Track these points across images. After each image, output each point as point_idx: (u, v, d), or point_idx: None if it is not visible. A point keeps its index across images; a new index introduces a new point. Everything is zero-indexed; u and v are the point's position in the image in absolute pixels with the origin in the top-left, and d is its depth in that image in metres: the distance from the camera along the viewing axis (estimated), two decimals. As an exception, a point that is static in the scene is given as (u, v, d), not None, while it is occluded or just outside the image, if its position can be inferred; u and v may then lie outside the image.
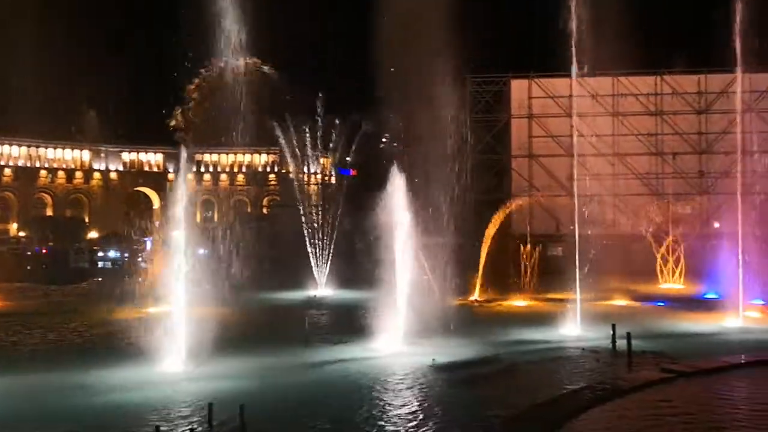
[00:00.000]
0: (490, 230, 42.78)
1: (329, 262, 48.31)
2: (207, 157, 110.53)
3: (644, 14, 50.01)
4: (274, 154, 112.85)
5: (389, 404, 17.36)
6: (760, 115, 56.66)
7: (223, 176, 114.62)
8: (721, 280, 33.64)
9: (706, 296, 37.03)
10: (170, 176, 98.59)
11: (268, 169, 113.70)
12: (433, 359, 22.04)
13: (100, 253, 71.13)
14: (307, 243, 51.33)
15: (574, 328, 28.11)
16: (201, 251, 23.63)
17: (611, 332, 24.02)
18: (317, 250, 49.86)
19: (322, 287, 46.01)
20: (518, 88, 60.93)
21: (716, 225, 55.16)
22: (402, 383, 19.52)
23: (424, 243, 30.61)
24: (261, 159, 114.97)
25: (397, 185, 27.40)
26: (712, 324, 29.54)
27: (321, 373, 21.22)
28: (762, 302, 33.04)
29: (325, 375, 20.96)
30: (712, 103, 58.93)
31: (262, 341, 24.43)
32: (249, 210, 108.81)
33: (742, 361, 21.06)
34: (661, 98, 59.70)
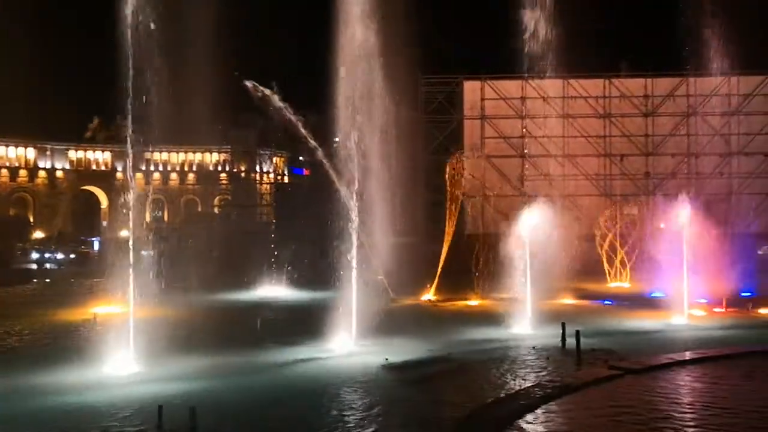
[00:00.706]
0: (444, 229, 43.08)
1: (281, 262, 47.92)
2: (157, 156, 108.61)
3: (594, 19, 50.92)
4: (226, 152, 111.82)
5: (342, 404, 17.30)
6: (704, 118, 58.37)
7: (173, 175, 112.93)
8: (667, 279, 34.44)
9: (652, 295, 37.87)
10: (119, 175, 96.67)
11: (220, 168, 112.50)
12: (386, 359, 22.06)
13: (47, 254, 69.41)
14: (260, 243, 50.93)
15: (525, 326, 28.46)
16: (145, 252, 23.19)
17: (561, 330, 24.40)
18: (268, 249, 49.47)
19: (275, 288, 45.66)
20: (471, 89, 61.47)
21: (662, 225, 56.50)
22: (355, 383, 19.46)
23: (378, 243, 30.64)
24: (212, 158, 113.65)
25: (349, 185, 27.37)
26: (658, 322, 30.24)
27: (274, 374, 21.03)
28: (706, 301, 33.94)
29: (278, 376, 20.78)
30: (658, 106, 60.38)
31: (213, 343, 24.11)
32: (199, 209, 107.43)
33: (687, 358, 21.61)
34: (610, 101, 60.91)
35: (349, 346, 24.41)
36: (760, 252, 51.11)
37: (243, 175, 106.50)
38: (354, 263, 26.49)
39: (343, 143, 28.11)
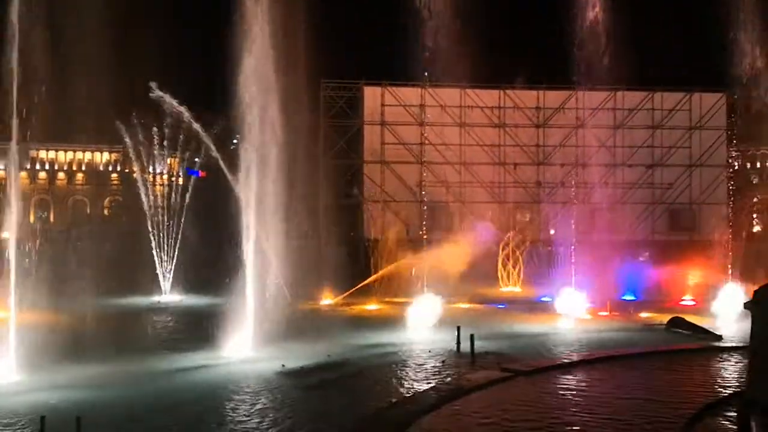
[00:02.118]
0: (344, 233, 43.21)
1: (175, 267, 46.62)
2: (43, 154, 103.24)
3: (490, 31, 52.42)
4: (118, 152, 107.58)
5: (238, 412, 16.99)
6: (591, 130, 61.13)
7: (61, 175, 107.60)
8: (556, 283, 35.83)
9: (542, 299, 39.26)
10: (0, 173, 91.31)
11: (111, 168, 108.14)
12: (283, 365, 21.85)
13: None
14: (152, 246, 49.33)
15: (421, 330, 28.88)
16: (28, 254, 22.07)
17: (456, 334, 24.92)
18: (162, 253, 48.02)
19: (168, 292, 44.37)
20: (371, 95, 61.92)
21: (552, 232, 58.82)
22: (251, 390, 19.17)
23: (276, 246, 30.34)
24: (103, 157, 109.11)
25: (246, 188, 27.00)
26: (547, 325, 31.39)
27: (166, 381, 20.40)
28: (592, 305, 35.51)
29: (171, 384, 20.17)
30: (549, 118, 62.80)
31: (102, 349, 23.11)
32: (88, 211, 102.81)
33: (575, 360, 22.55)
34: (504, 111, 62.80)
35: (245, 351, 24.02)
36: (641, 258, 54.07)
37: (135, 175, 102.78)
38: (251, 267, 26.13)
39: (241, 145, 27.70)
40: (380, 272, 41.31)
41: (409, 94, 61.11)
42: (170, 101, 32.71)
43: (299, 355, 23.31)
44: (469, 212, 59.23)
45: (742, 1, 36.74)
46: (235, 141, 28.46)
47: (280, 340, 24.69)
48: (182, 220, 55.82)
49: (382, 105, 61.60)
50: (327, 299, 39.84)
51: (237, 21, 27.52)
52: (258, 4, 27.84)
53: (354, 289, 40.46)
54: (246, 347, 24.29)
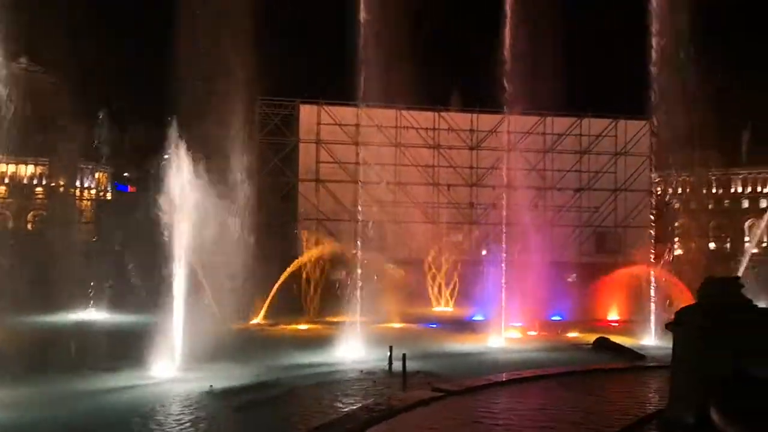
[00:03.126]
0: (277, 252, 42.82)
1: (102, 283, 45.15)
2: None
3: (426, 54, 53.21)
4: (43, 165, 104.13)
5: (163, 433, 16.55)
6: (522, 153, 62.44)
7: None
8: (487, 303, 36.32)
9: (473, 318, 39.69)
10: None
11: (35, 182, 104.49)
12: (211, 385, 21.42)
13: None
14: (78, 262, 47.75)
15: (353, 350, 28.78)
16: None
17: (388, 354, 24.93)
18: (89, 269, 46.47)
19: (94, 310, 42.95)
20: (307, 113, 61.86)
21: (484, 252, 59.63)
22: (178, 411, 18.71)
23: (206, 264, 29.82)
24: (27, 170, 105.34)
25: (177, 204, 26.50)
26: (478, 344, 31.75)
27: (91, 403, 19.72)
28: (521, 324, 36.12)
29: (96, 405, 19.50)
30: (482, 141, 63.92)
31: (24, 370, 22.18)
32: (11, 225, 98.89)
33: (504, 379, 22.82)
34: (439, 133, 63.67)
35: (172, 372, 23.46)
36: (569, 279, 55.33)
37: (62, 189, 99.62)
38: (180, 285, 25.59)
39: (173, 161, 27.21)
40: (311, 291, 41.10)
41: (345, 113, 61.25)
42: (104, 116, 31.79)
43: (228, 376, 22.89)
44: (404, 232, 59.53)
45: (661, 33, 38.32)
46: (166, 156, 27.88)
47: (208, 360, 24.20)
48: (110, 235, 54.31)
49: (318, 123, 61.58)
50: (257, 319, 39.28)
51: (174, 37, 27.22)
52: (194, 19, 27.59)
53: (284, 308, 40.01)
54: (173, 367, 23.73)
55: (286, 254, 44.34)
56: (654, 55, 38.66)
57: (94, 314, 42.05)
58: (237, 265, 36.83)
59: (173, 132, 27.02)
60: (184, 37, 27.01)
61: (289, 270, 42.23)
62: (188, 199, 26.75)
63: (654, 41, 38.33)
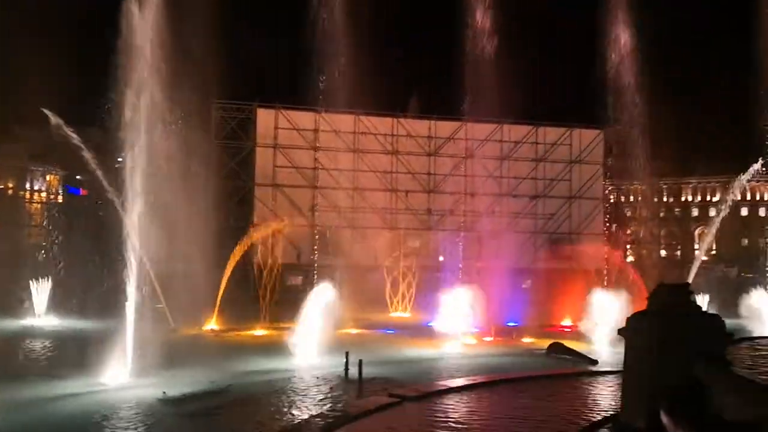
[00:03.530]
0: (232, 258, 42.37)
1: (52, 288, 43.98)
2: None
3: (385, 61, 53.39)
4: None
5: (113, 442, 16.18)
6: (479, 161, 63.07)
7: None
8: (444, 309, 36.44)
9: (430, 324, 39.79)
10: None
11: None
12: (164, 392, 21.02)
13: None
14: (27, 266, 46.55)
15: (309, 356, 28.58)
16: None
17: (345, 360, 24.83)
18: (38, 273, 45.27)
19: (42, 315, 41.83)
20: (264, 117, 61.43)
21: (441, 258, 59.96)
22: (130, 418, 18.32)
23: (160, 269, 29.36)
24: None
25: (130, 208, 26.04)
26: (435, 350, 31.83)
27: (38, 410, 19.19)
28: (477, 330, 36.32)
29: (46, 413, 18.99)
30: (440, 147, 64.30)
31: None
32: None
33: (461, 384, 22.89)
34: (397, 139, 63.83)
35: (123, 378, 22.98)
36: (524, 285, 55.92)
37: (10, 192, 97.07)
38: (132, 290, 25.12)
39: (126, 164, 26.72)
40: (267, 296, 40.77)
41: (304, 118, 61.08)
42: (57, 120, 30.97)
43: (182, 382, 22.49)
44: (362, 237, 59.51)
45: (615, 46, 39.18)
46: (120, 159, 27.38)
47: (162, 367, 23.77)
48: (61, 239, 53.14)
49: (276, 128, 61.22)
50: (213, 324, 38.77)
51: (126, 38, 26.73)
52: (145, 20, 27.15)
53: (240, 313, 39.57)
54: (125, 373, 23.25)
55: (241, 259, 43.79)
56: (608, 67, 39.45)
57: (44, 320, 40.96)
58: (191, 270, 36.34)
59: (127, 134, 26.54)
60: (133, 39, 26.56)
61: (233, 260, 41.52)
62: (141, 203, 26.28)
63: (609, 54, 39.14)
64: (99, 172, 30.42)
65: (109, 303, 25.45)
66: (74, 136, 30.15)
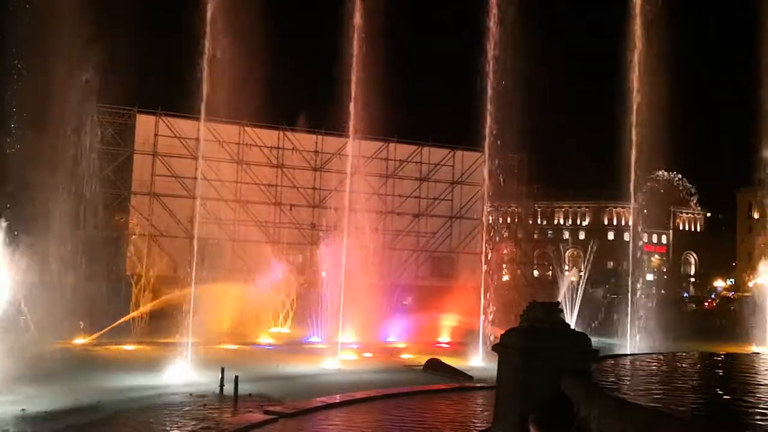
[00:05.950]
0: (105, 268, 40.52)
1: None
2: None
3: (273, 72, 52.70)
4: None
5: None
6: (365, 177, 63.56)
7: None
8: (324, 325, 36.37)
9: (309, 340, 39.57)
10: None
11: None
12: (23, 409, 19.73)
13: None
14: None
15: (183, 372, 27.66)
16: None
17: (220, 376, 24.20)
18: None
19: None
20: (144, 123, 59.35)
21: (323, 274, 59.72)
22: (-20, 439, 17.04)
23: (24, 280, 27.58)
24: None
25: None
26: (313, 366, 31.63)
27: None
28: (356, 346, 36.45)
29: None
30: (326, 163, 64.36)
31: None
32: None
33: (337, 401, 22.86)
34: (283, 152, 63.38)
35: (-24, 395, 21.35)
36: (404, 302, 56.70)
37: None
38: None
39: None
40: (140, 310, 39.19)
41: (185, 126, 59.33)
42: None
43: (44, 399, 21.20)
44: (243, 251, 58.43)
45: (492, 67, 40.53)
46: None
47: (22, 382, 22.29)
48: None
49: (156, 134, 59.25)
50: (81, 338, 36.82)
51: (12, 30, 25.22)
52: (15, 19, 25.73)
53: (110, 327, 37.82)
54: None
55: (113, 270, 41.97)
56: (490, 90, 40.82)
57: None
58: (59, 281, 34.45)
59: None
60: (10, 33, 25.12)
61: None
62: (3, 210, 24.68)
63: (487, 80, 40.54)
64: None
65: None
66: None
